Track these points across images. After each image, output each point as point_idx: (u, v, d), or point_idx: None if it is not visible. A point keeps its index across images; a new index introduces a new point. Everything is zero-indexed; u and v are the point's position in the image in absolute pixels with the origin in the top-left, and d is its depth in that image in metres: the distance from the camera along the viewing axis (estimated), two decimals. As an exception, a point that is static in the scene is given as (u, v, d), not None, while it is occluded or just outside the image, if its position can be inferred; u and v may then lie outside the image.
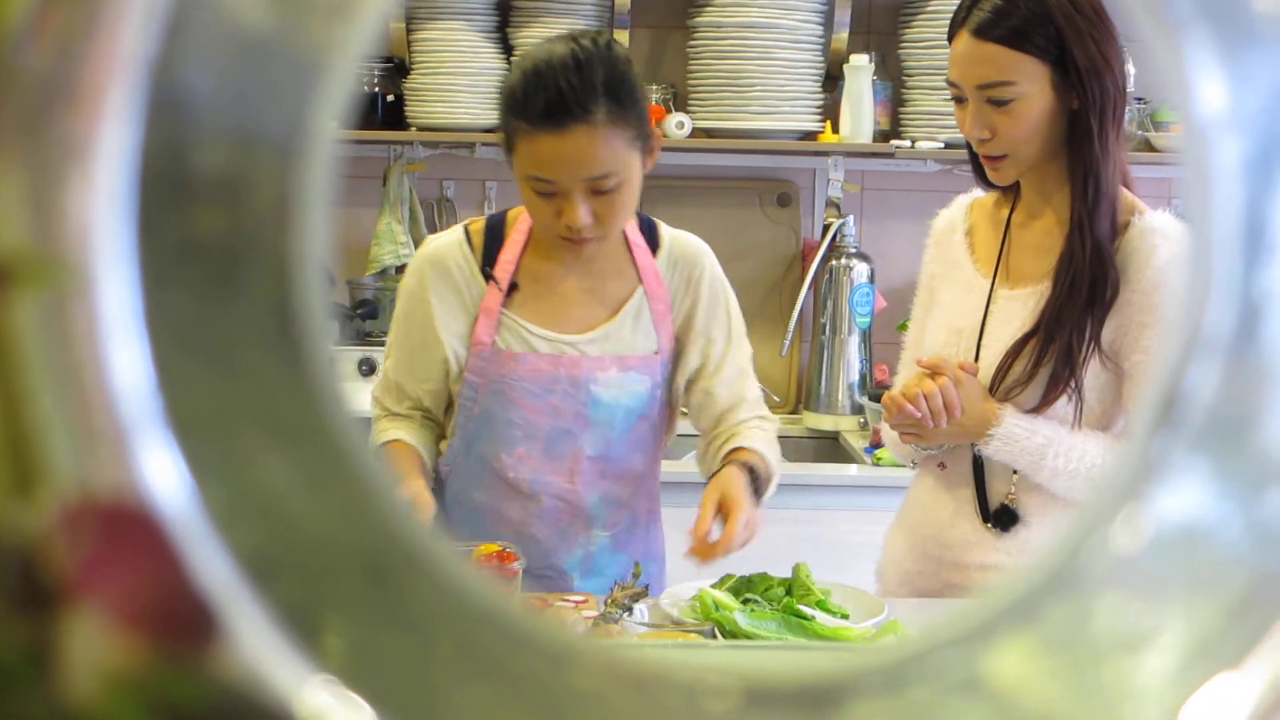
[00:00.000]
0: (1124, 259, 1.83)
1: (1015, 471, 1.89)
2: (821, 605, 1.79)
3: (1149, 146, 3.33)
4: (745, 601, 1.79)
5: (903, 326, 2.23)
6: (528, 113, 1.74)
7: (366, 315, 3.44)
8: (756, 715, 0.47)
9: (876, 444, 3.09)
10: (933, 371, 1.87)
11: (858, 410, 3.37)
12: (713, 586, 1.81)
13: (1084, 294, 1.82)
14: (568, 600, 1.83)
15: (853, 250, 3.38)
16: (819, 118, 3.34)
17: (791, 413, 3.53)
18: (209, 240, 0.42)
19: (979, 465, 1.92)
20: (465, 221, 1.99)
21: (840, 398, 3.39)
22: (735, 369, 2.00)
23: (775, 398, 3.52)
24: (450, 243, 1.95)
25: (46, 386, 0.40)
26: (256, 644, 0.41)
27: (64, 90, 0.39)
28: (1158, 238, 1.82)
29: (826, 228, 3.41)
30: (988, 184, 1.93)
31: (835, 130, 3.35)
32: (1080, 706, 0.46)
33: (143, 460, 0.40)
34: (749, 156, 3.48)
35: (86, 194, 0.39)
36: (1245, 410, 0.45)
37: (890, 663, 0.49)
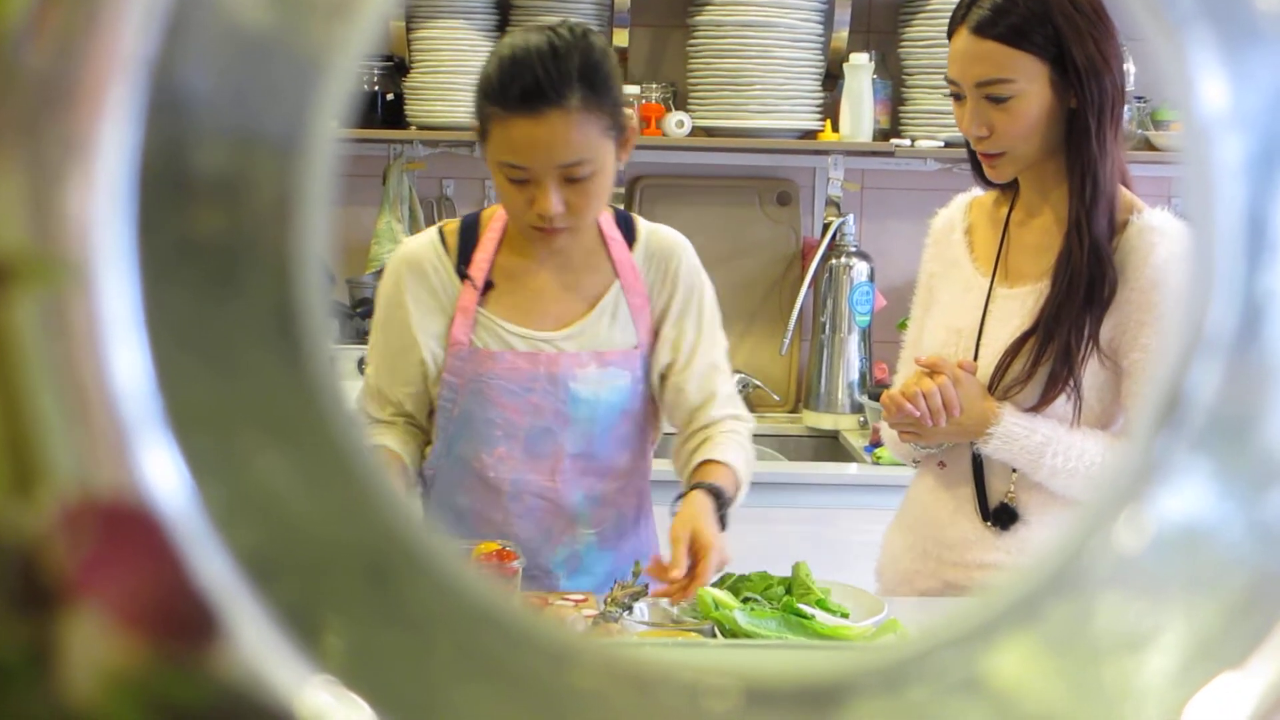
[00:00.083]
0: (1122, 257, 1.83)
1: (1015, 470, 1.89)
2: (821, 604, 1.79)
3: (1149, 145, 3.32)
4: (745, 600, 1.79)
5: (903, 325, 2.23)
6: (503, 98, 1.73)
7: (366, 314, 3.44)
8: (756, 715, 0.47)
9: (876, 443, 3.09)
10: (931, 370, 1.87)
11: (858, 409, 3.37)
12: (712, 585, 1.81)
13: (1082, 292, 1.82)
14: (567, 599, 1.83)
15: (852, 249, 3.38)
16: (819, 116, 3.34)
17: (791, 411, 3.53)
18: (209, 239, 0.42)
19: (978, 464, 1.93)
20: (440, 223, 1.99)
21: (840, 396, 3.39)
22: (707, 364, 1.97)
23: (775, 396, 3.52)
24: (425, 244, 1.95)
25: (46, 386, 0.39)
26: (256, 644, 0.41)
27: (64, 90, 0.39)
28: (1156, 236, 1.82)
29: (826, 226, 3.41)
30: (986, 182, 1.93)
31: (835, 129, 3.35)
32: (1081, 707, 0.46)
33: (143, 460, 0.40)
34: (749, 155, 3.48)
35: (86, 193, 0.39)
36: (1247, 410, 0.45)
37: (890, 662, 0.49)
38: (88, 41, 0.39)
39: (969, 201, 2.05)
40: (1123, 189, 1.86)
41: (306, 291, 0.44)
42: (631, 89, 3.31)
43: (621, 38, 3.33)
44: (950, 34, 1.86)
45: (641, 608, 1.78)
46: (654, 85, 3.38)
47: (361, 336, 3.42)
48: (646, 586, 1.79)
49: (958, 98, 1.87)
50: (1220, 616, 0.44)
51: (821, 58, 3.32)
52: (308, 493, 0.45)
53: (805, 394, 3.47)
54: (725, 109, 3.29)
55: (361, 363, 3.28)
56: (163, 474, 0.40)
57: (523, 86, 1.72)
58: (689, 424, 1.97)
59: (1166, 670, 0.44)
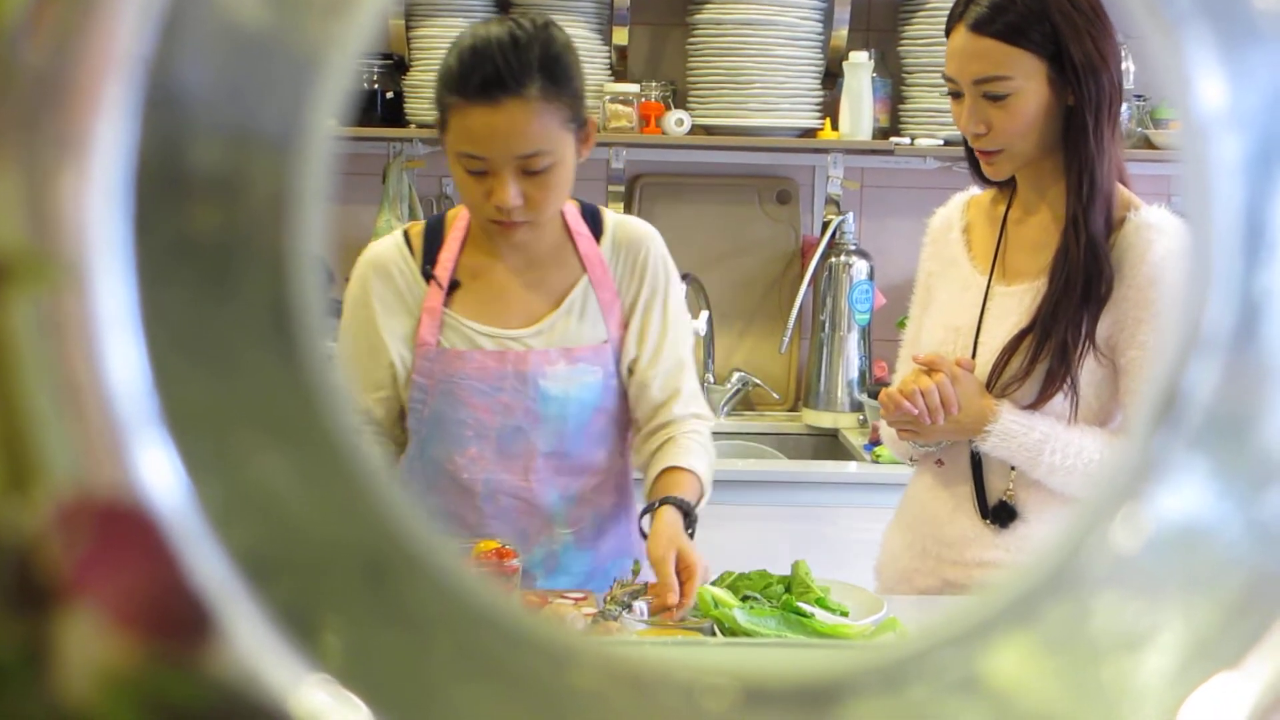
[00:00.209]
0: (1119, 254, 1.83)
1: (1013, 468, 1.89)
2: (821, 602, 1.79)
3: (1148, 144, 3.32)
4: (744, 599, 1.79)
5: (902, 324, 2.23)
6: (462, 88, 1.72)
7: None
8: (755, 714, 0.47)
9: (876, 441, 3.09)
10: (929, 368, 1.87)
11: (857, 407, 3.37)
12: (711, 584, 1.81)
13: (1079, 290, 1.82)
14: (567, 597, 1.83)
15: (852, 247, 3.38)
16: (818, 115, 3.34)
17: (791, 410, 3.53)
18: (205, 238, 0.42)
19: (977, 462, 1.93)
20: (405, 225, 1.98)
21: (839, 395, 3.39)
22: (674, 361, 1.95)
23: (775, 395, 3.52)
24: (389, 246, 1.94)
25: (42, 385, 0.39)
26: (253, 643, 0.41)
27: (60, 87, 0.39)
28: (1153, 233, 1.82)
29: (826, 225, 3.41)
30: (984, 180, 1.94)
31: (835, 127, 3.34)
32: (1079, 706, 0.46)
33: (139, 459, 0.40)
34: (748, 154, 3.48)
35: (82, 191, 0.39)
36: (1245, 409, 0.45)
37: (889, 662, 0.49)
38: (84, 39, 0.39)
39: (966, 200, 2.05)
40: (1119, 186, 1.86)
41: (303, 290, 0.43)
42: (631, 87, 3.31)
43: (621, 36, 3.33)
44: (948, 31, 1.86)
45: (641, 606, 1.78)
46: (653, 83, 3.38)
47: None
48: (646, 585, 1.79)
49: (955, 95, 1.87)
50: (1218, 616, 0.44)
51: (821, 56, 3.32)
52: (305, 492, 0.45)
53: (805, 392, 3.47)
54: (725, 107, 3.28)
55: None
56: (159, 473, 0.40)
57: (483, 76, 1.71)
58: (650, 419, 1.95)
59: (1164, 669, 0.44)
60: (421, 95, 3.30)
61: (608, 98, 3.29)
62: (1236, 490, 0.45)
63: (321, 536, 0.45)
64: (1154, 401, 0.46)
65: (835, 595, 1.84)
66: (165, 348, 0.41)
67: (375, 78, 3.36)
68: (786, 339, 3.39)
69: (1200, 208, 0.45)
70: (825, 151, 3.45)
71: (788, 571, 1.86)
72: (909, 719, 0.47)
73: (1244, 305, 0.45)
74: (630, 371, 1.95)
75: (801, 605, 1.76)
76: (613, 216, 1.97)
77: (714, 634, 1.73)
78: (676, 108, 3.35)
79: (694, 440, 1.93)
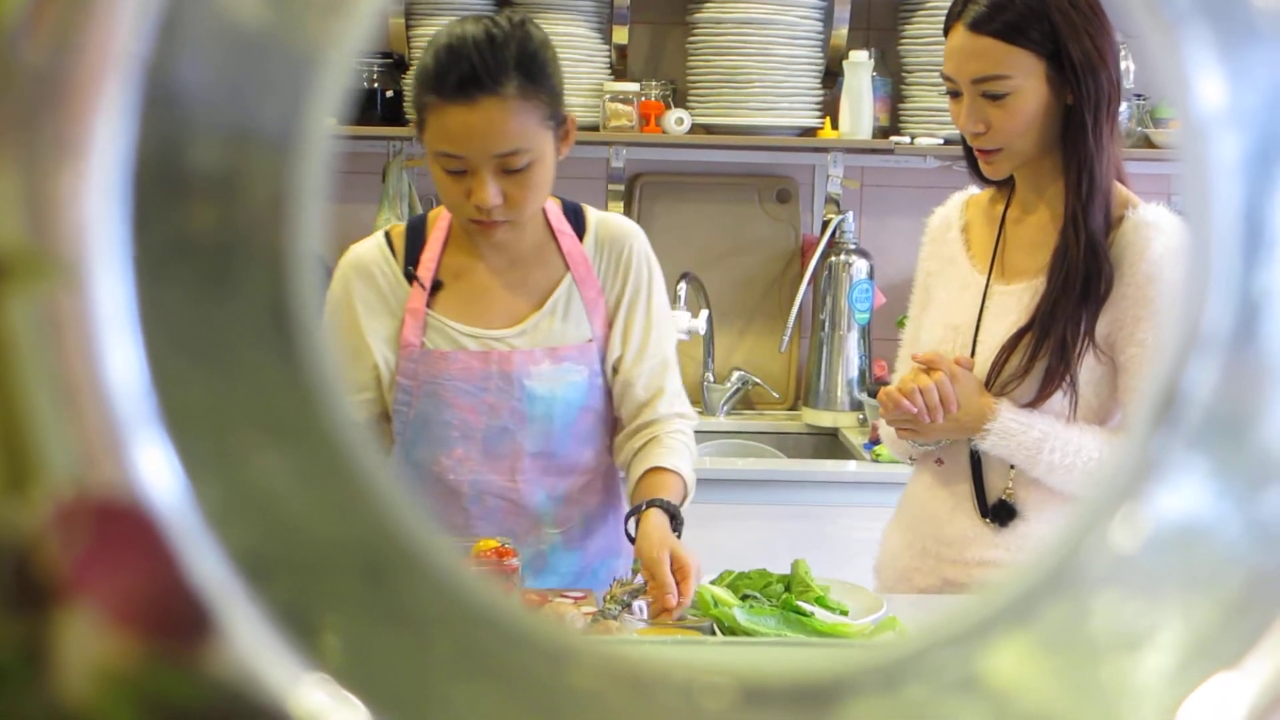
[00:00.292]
0: (1118, 253, 1.83)
1: (1013, 466, 1.89)
2: (820, 601, 1.79)
3: (1148, 143, 3.32)
4: (744, 598, 1.79)
5: (902, 323, 2.23)
6: (439, 87, 1.71)
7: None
8: (753, 714, 0.47)
9: (875, 440, 3.09)
10: (928, 366, 1.87)
11: (857, 406, 3.37)
12: (711, 583, 1.81)
13: (1078, 288, 1.82)
14: (567, 597, 1.83)
15: (852, 246, 3.38)
16: (818, 114, 3.34)
17: (790, 409, 3.53)
18: (204, 237, 0.42)
19: (976, 461, 1.93)
20: (387, 226, 1.97)
21: (839, 394, 3.39)
22: (658, 359, 1.95)
23: (774, 394, 3.52)
24: (371, 247, 1.92)
25: (40, 384, 0.39)
26: (251, 642, 0.41)
27: (58, 86, 0.39)
28: (1151, 231, 1.82)
29: (826, 224, 3.41)
30: (983, 179, 1.94)
31: (835, 126, 3.34)
32: (1078, 705, 0.46)
33: (137, 458, 0.40)
34: (748, 153, 3.48)
35: (81, 190, 0.39)
36: (1244, 408, 0.45)
37: (887, 661, 0.49)
38: (82, 38, 0.39)
39: (965, 200, 2.06)
40: (1118, 185, 1.86)
41: (302, 289, 0.43)
42: (631, 86, 3.31)
43: (621, 35, 3.33)
44: (947, 30, 1.86)
45: (640, 606, 1.78)
46: (653, 82, 3.38)
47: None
48: (645, 584, 1.79)
49: (954, 94, 1.87)
50: (1217, 615, 0.44)
51: (821, 55, 3.32)
52: (303, 491, 0.45)
53: (804, 391, 3.47)
54: (725, 106, 3.28)
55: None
56: (157, 472, 0.40)
57: (459, 75, 1.70)
58: (634, 418, 1.94)
59: (1163, 669, 0.44)
60: (421, 94, 3.30)
61: (608, 96, 3.29)
62: (1235, 490, 0.45)
63: (320, 536, 0.45)
64: (1153, 401, 0.46)
65: (835, 594, 1.84)
66: (164, 347, 0.41)
67: (375, 76, 3.35)
68: (786, 338, 3.39)
69: (1199, 207, 0.45)
70: (825, 150, 3.44)
71: (787, 570, 1.86)
72: (908, 718, 0.47)
73: (1243, 304, 0.45)
74: (615, 370, 1.94)
75: (801, 604, 1.76)
76: (595, 214, 1.96)
77: (713, 633, 1.73)
78: (676, 107, 3.35)
79: (678, 440, 1.92)
